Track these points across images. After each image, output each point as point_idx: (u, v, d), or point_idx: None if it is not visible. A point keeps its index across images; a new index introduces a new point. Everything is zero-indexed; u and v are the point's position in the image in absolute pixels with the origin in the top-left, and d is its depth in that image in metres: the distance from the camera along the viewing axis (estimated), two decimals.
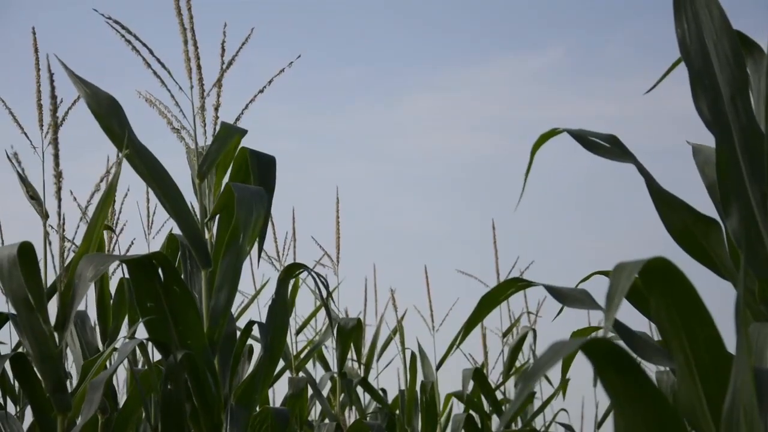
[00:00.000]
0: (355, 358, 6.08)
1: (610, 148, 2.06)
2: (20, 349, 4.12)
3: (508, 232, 6.26)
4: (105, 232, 4.04)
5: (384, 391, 6.43)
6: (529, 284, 2.01)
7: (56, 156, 2.98)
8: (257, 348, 4.68)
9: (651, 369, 4.34)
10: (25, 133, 3.07)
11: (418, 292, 6.40)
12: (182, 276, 3.17)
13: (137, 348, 3.38)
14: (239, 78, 3.21)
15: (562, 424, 6.49)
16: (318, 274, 3.30)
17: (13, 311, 3.09)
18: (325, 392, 5.80)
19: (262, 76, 3.24)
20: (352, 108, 9.64)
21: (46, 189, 3.02)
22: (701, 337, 1.41)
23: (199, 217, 3.16)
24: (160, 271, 2.96)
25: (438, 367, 6.08)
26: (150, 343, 3.23)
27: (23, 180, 3.13)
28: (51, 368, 2.83)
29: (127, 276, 4.12)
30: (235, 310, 3.87)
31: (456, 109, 9.70)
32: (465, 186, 9.53)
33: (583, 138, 2.06)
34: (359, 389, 6.13)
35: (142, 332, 3.49)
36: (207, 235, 3.16)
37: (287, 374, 5.45)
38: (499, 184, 9.71)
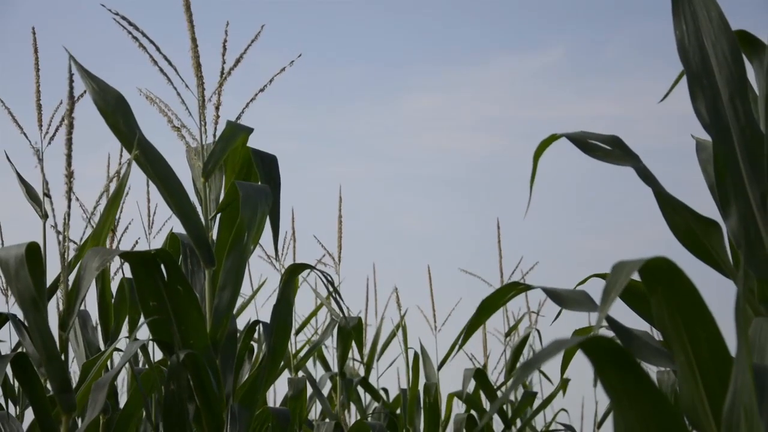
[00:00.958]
0: (356, 357, 6.08)
1: (611, 150, 2.05)
2: (19, 349, 4.13)
3: (508, 231, 6.26)
4: None
5: (385, 390, 6.43)
6: (528, 288, 2.01)
7: (69, 156, 2.97)
8: (257, 348, 4.68)
9: (651, 369, 4.34)
10: (25, 133, 3.07)
11: (419, 292, 6.40)
12: None
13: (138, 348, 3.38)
14: (238, 77, 3.21)
15: (563, 424, 6.49)
16: (323, 273, 3.29)
17: (13, 311, 3.10)
18: (325, 392, 5.80)
19: (261, 75, 3.24)
20: (352, 108, 9.64)
21: (50, 189, 3.02)
22: (703, 337, 1.41)
23: (202, 216, 3.16)
24: (162, 269, 2.96)
25: (440, 367, 6.07)
26: (151, 343, 3.23)
27: (23, 181, 3.13)
28: (57, 368, 2.83)
29: (128, 276, 4.14)
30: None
31: (456, 109, 9.70)
32: (465, 186, 9.53)
33: (583, 142, 2.06)
34: (360, 389, 6.14)
35: (142, 332, 3.48)
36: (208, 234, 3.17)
37: (286, 374, 5.44)
38: (500, 184, 9.71)
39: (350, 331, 5.26)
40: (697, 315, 1.40)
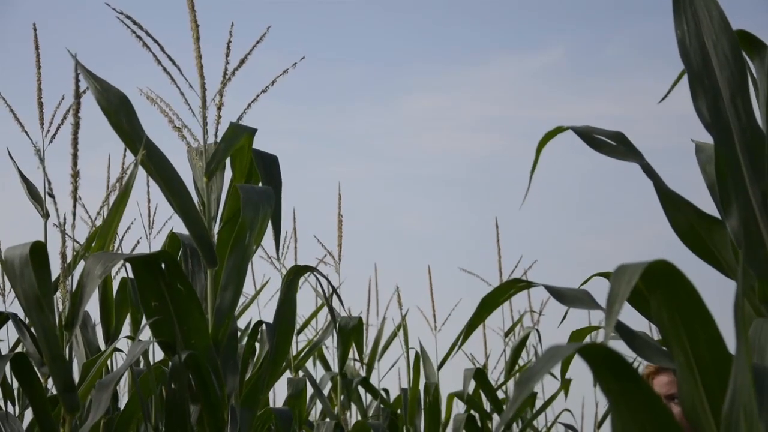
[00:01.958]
0: (356, 357, 6.08)
1: (616, 146, 2.05)
2: (19, 349, 4.12)
3: (508, 231, 6.27)
4: None
5: (386, 391, 6.43)
6: (529, 285, 2.00)
7: (75, 155, 2.96)
8: (258, 348, 4.68)
9: None
10: (26, 132, 3.07)
11: (419, 292, 6.40)
12: None
13: None
14: (239, 76, 3.21)
15: (565, 424, 6.50)
16: (323, 276, 3.30)
17: (13, 311, 3.10)
18: (325, 392, 5.80)
19: (262, 75, 3.25)
20: (352, 108, 9.64)
21: (57, 188, 3.02)
22: (702, 338, 1.41)
23: (203, 216, 3.16)
24: (164, 269, 2.96)
25: (439, 367, 6.07)
26: (151, 343, 3.23)
27: (24, 179, 3.13)
28: (61, 368, 2.82)
29: (130, 276, 4.14)
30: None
31: (456, 109, 9.70)
32: (465, 186, 9.53)
33: (589, 136, 2.06)
34: (361, 390, 6.14)
35: (143, 332, 3.48)
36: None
37: (287, 374, 5.44)
38: (500, 184, 9.71)
39: (351, 331, 5.26)
40: (696, 316, 1.40)
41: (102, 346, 4.06)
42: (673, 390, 2.77)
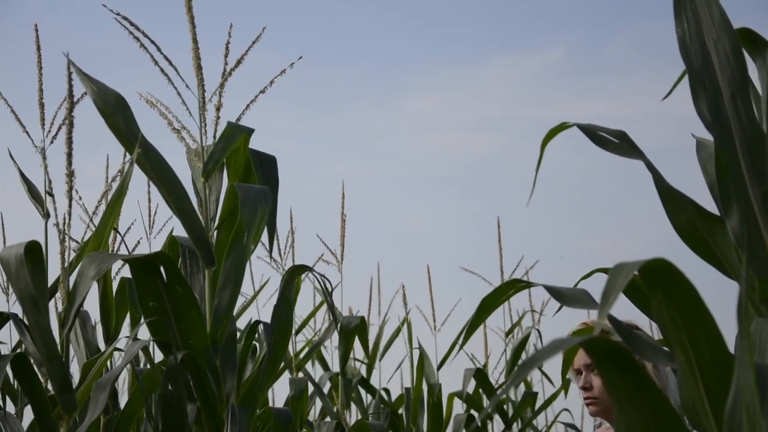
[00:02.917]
0: (356, 357, 6.08)
1: (619, 144, 2.05)
2: (20, 349, 4.12)
3: (508, 231, 6.27)
4: None
5: (387, 390, 6.43)
6: (529, 285, 2.00)
7: (69, 155, 2.97)
8: (259, 348, 4.68)
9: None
10: (27, 132, 3.07)
11: (419, 292, 6.40)
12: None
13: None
14: (237, 77, 3.21)
15: (565, 423, 6.50)
16: (322, 275, 3.30)
17: (14, 311, 3.09)
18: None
19: (261, 75, 3.24)
20: (352, 108, 9.65)
21: (54, 188, 3.01)
22: (703, 337, 1.41)
23: (201, 216, 3.16)
24: (162, 270, 2.96)
25: (439, 367, 6.08)
26: (152, 343, 3.23)
27: (25, 179, 3.13)
28: (58, 368, 2.83)
29: (129, 276, 4.14)
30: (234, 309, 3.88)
31: (456, 109, 9.70)
32: (465, 186, 9.53)
33: (593, 133, 2.06)
34: (361, 390, 6.14)
35: (143, 332, 3.48)
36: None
37: (286, 374, 5.44)
38: (499, 184, 9.71)
39: (353, 330, 5.26)
40: (696, 315, 1.40)
41: (102, 345, 4.06)
42: (584, 361, 2.75)
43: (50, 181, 3.05)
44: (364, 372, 6.20)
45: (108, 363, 4.30)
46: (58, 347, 2.87)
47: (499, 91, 9.61)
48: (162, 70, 3.08)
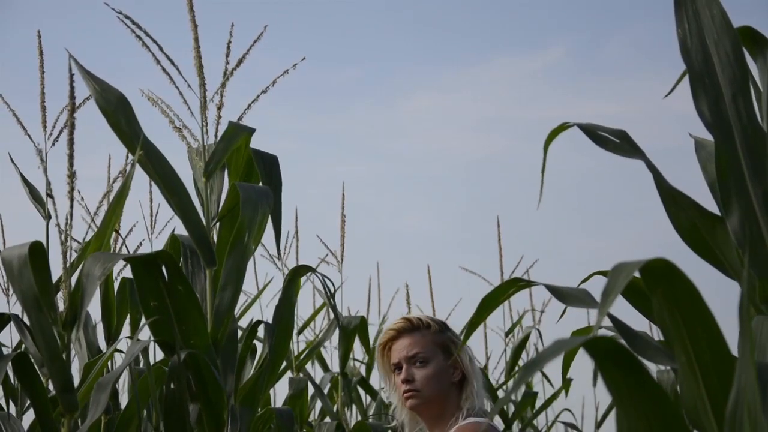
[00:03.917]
0: (356, 358, 6.08)
1: (620, 143, 2.05)
2: (20, 349, 4.12)
3: (508, 231, 6.27)
4: None
5: None
6: (530, 284, 2.00)
7: (71, 156, 2.96)
8: (258, 348, 4.68)
9: (651, 368, 4.34)
10: (29, 134, 3.07)
11: (419, 292, 6.41)
12: None
13: None
14: (238, 77, 3.22)
15: (566, 423, 6.50)
16: (325, 276, 3.30)
17: (14, 312, 3.09)
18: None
19: (262, 75, 3.25)
20: (353, 108, 9.65)
21: (55, 189, 3.02)
22: (703, 338, 1.41)
23: (203, 216, 3.17)
24: (164, 270, 2.96)
25: None
26: (151, 343, 3.23)
27: (26, 181, 3.13)
28: (59, 368, 2.82)
29: (129, 275, 4.14)
30: (236, 309, 3.88)
31: (456, 109, 9.71)
32: (465, 186, 9.53)
33: (593, 133, 2.06)
34: (361, 390, 6.13)
35: (143, 332, 3.48)
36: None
37: (287, 374, 5.44)
38: (499, 184, 9.71)
39: (353, 330, 5.26)
40: (697, 315, 1.40)
41: (103, 345, 4.06)
42: (405, 354, 2.60)
43: (49, 183, 3.05)
44: (363, 372, 6.20)
45: (109, 363, 4.31)
46: (61, 347, 2.87)
47: (500, 91, 9.61)
48: (164, 69, 3.09)
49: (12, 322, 3.11)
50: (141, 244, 4.18)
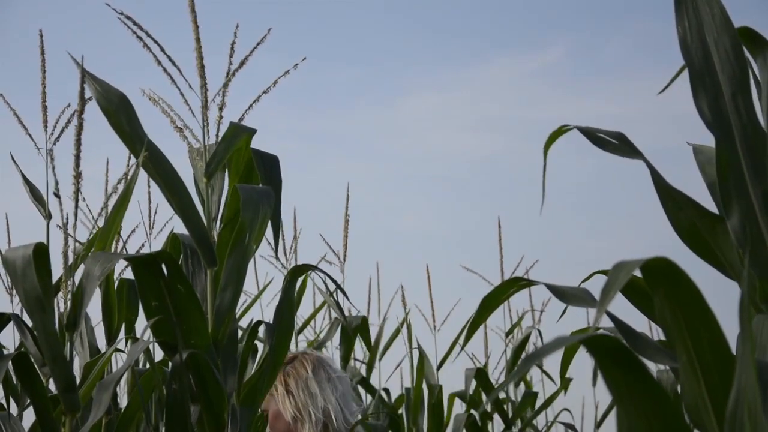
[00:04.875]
0: (357, 357, 6.08)
1: (619, 145, 2.06)
2: (21, 349, 4.12)
3: (508, 231, 6.27)
4: None
5: (386, 390, 6.43)
6: (530, 283, 2.01)
7: (77, 157, 2.95)
8: (259, 348, 4.68)
9: (651, 367, 4.35)
10: (30, 135, 3.07)
11: (418, 292, 6.40)
12: None
13: None
14: (239, 77, 3.22)
15: (564, 424, 6.50)
16: (327, 274, 3.30)
17: (15, 311, 3.09)
18: None
19: (262, 75, 3.25)
20: (353, 108, 9.65)
21: (58, 189, 3.01)
22: (705, 337, 1.41)
23: (204, 216, 3.17)
24: (164, 269, 2.96)
25: (439, 367, 6.09)
26: (152, 343, 3.23)
27: (27, 181, 3.13)
28: (62, 368, 2.82)
29: (128, 276, 4.14)
30: (237, 309, 3.88)
31: (456, 109, 9.71)
32: (465, 186, 9.53)
33: (593, 134, 2.06)
34: (361, 390, 6.13)
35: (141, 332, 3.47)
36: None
37: None
38: (499, 184, 9.72)
39: (354, 330, 5.26)
40: (698, 315, 1.40)
41: (103, 345, 4.07)
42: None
43: (57, 182, 3.05)
44: (364, 372, 6.20)
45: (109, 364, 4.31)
46: (63, 347, 2.87)
47: (499, 91, 9.61)
48: (165, 70, 3.09)
49: (12, 322, 3.11)
50: (143, 246, 4.18)
